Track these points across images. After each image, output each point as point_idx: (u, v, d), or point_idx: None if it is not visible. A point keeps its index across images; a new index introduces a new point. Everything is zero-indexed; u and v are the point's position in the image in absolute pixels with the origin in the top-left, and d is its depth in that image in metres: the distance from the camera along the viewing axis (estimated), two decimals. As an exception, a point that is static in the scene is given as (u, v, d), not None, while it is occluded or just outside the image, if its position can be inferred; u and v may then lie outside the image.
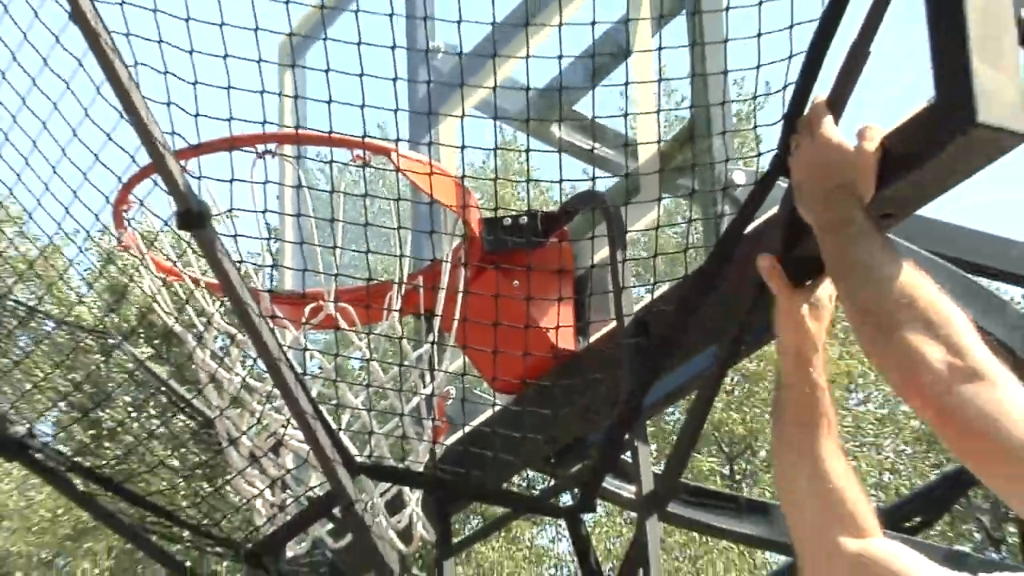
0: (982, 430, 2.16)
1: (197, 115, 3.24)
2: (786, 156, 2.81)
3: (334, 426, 3.62)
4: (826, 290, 2.64)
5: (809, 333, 2.62)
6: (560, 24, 3.60)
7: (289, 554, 4.12)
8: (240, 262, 3.48)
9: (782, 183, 2.94)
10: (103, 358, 4.65)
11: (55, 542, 18.08)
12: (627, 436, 3.76)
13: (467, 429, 4.17)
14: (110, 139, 3.33)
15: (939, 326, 2.27)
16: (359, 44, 3.29)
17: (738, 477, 18.18)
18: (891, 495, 16.36)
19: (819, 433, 2.59)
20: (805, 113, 2.70)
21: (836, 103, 2.77)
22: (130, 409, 4.51)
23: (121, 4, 3.11)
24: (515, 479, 4.34)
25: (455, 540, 4.51)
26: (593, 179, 4.33)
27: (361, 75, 3.28)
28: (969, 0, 2.79)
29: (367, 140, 3.64)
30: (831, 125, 2.62)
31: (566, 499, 4.28)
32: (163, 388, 4.58)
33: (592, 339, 3.98)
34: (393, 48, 3.30)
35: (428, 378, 3.89)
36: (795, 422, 2.62)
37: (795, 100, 2.88)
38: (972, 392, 2.17)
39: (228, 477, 4.07)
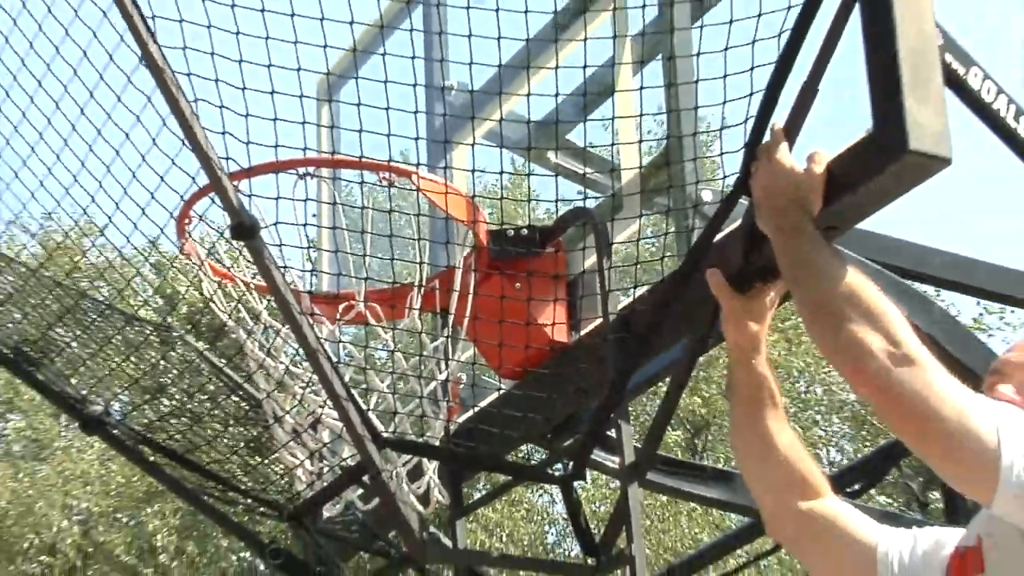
0: (915, 408, 2.17)
1: (248, 143, 3.24)
2: (747, 178, 2.81)
3: (364, 406, 3.62)
4: (765, 298, 2.68)
5: (750, 332, 2.64)
6: (556, 66, 3.60)
7: (325, 515, 4.13)
8: (284, 267, 3.48)
9: (743, 201, 2.95)
10: (167, 349, 4.65)
11: (130, 504, 18.08)
12: (611, 415, 3.76)
13: (476, 409, 4.17)
14: (174, 163, 3.33)
15: (878, 319, 2.27)
16: (385, 82, 3.29)
17: (699, 449, 18.16)
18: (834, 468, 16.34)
19: (766, 412, 2.60)
20: (764, 141, 2.70)
21: (790, 132, 2.77)
22: (190, 392, 4.49)
23: (184, 49, 3.12)
24: (516, 451, 4.33)
25: (466, 503, 4.51)
26: (583, 198, 4.33)
27: (387, 108, 3.28)
28: (902, 46, 2.79)
29: (392, 164, 3.64)
30: (785, 151, 2.62)
31: (560, 469, 4.27)
32: (218, 375, 4.57)
33: (582, 333, 3.97)
34: (414, 86, 3.29)
35: (443, 366, 3.89)
36: (745, 404, 2.63)
37: (754, 130, 2.88)
38: (908, 376, 2.18)
39: (274, 450, 4.07)
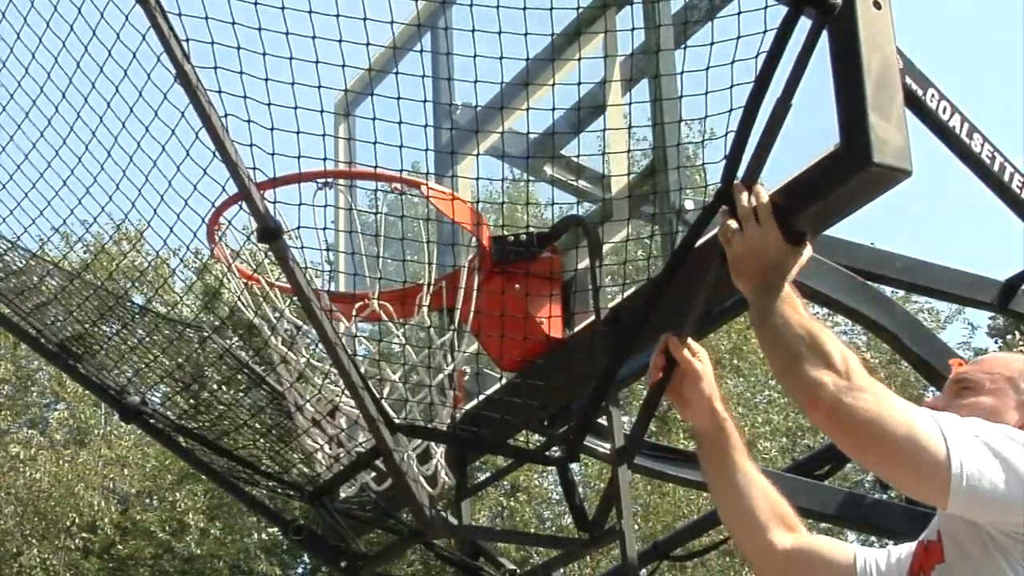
0: (867, 430, 2.21)
1: (273, 154, 3.24)
2: (727, 189, 2.82)
3: (377, 396, 3.62)
4: (705, 371, 2.75)
5: (703, 386, 2.70)
6: (552, 84, 3.61)
7: (342, 495, 4.12)
8: (305, 268, 3.48)
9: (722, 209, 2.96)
10: (198, 345, 4.65)
11: (163, 485, 18.10)
12: (603, 403, 3.77)
13: (480, 398, 4.18)
14: (206, 173, 3.34)
15: (829, 356, 2.35)
16: (398, 99, 3.30)
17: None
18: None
19: (734, 461, 2.61)
20: (753, 202, 2.70)
21: (764, 144, 2.78)
22: (220, 384, 4.50)
23: (215, 69, 3.13)
24: (516, 436, 4.34)
25: (470, 484, 4.51)
26: (577, 205, 4.33)
27: (399, 123, 3.29)
28: (867, 70, 2.80)
29: (403, 175, 3.65)
30: (773, 221, 2.63)
31: (556, 452, 4.27)
32: (245, 367, 4.57)
33: (576, 328, 3.98)
34: (424, 103, 3.31)
35: (450, 358, 3.89)
36: (709, 450, 2.64)
37: (734, 144, 2.89)
38: (857, 401, 2.24)
39: (296, 436, 4.08)
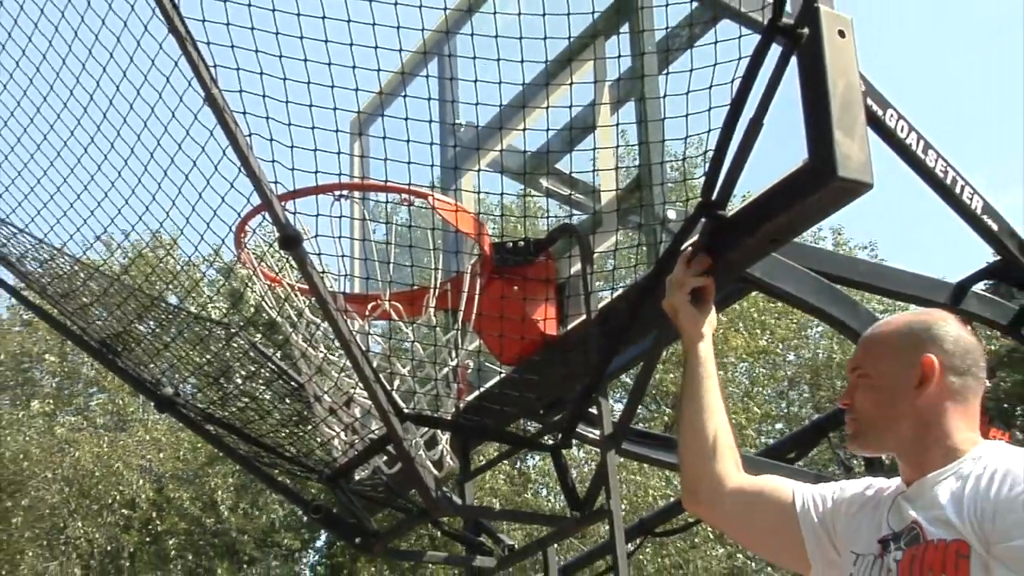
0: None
1: (293, 169, 3.23)
2: (706, 201, 2.82)
3: (388, 388, 3.61)
4: (711, 311, 2.74)
5: (700, 331, 2.68)
6: (547, 107, 3.60)
7: (356, 477, 4.12)
8: (323, 272, 3.47)
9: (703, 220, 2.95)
10: (226, 341, 4.64)
11: (195, 466, 18.09)
12: (593, 395, 3.76)
13: (481, 390, 4.17)
14: (232, 187, 3.33)
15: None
16: (406, 120, 3.30)
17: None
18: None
19: (714, 385, 2.58)
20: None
21: (739, 160, 2.77)
22: (245, 377, 4.49)
23: (240, 92, 3.12)
24: (515, 425, 4.33)
25: (472, 468, 4.51)
26: (570, 216, 4.33)
27: (408, 141, 3.28)
28: (832, 93, 2.80)
29: (412, 187, 3.64)
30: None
31: (550, 439, 4.27)
32: (269, 362, 4.56)
33: (569, 328, 3.97)
34: (430, 123, 3.29)
35: (454, 354, 3.88)
36: (700, 372, 2.61)
37: (713, 160, 2.88)
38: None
39: (314, 424, 4.07)
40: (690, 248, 2.81)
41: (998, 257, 4.82)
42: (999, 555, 1.92)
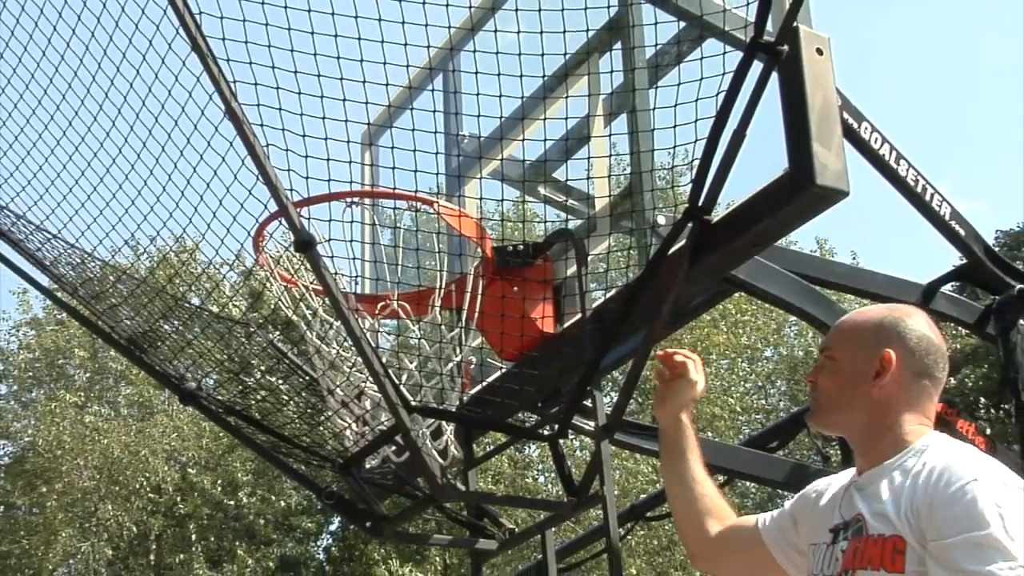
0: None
1: (307, 178, 3.23)
2: (693, 208, 2.81)
3: (397, 382, 3.61)
4: (690, 384, 2.54)
5: (678, 403, 2.53)
6: (544, 118, 3.60)
7: (367, 465, 4.11)
8: (336, 274, 3.47)
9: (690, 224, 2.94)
10: (245, 339, 4.63)
11: (217, 454, 18.10)
12: (588, 388, 3.75)
13: (484, 384, 4.16)
14: (251, 194, 3.33)
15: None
16: (413, 131, 3.29)
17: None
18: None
19: (688, 460, 2.48)
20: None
21: (724, 169, 2.77)
22: (263, 372, 4.48)
23: (258, 105, 3.12)
24: (514, 416, 4.33)
25: (475, 456, 4.50)
26: (566, 221, 4.32)
27: (415, 151, 3.28)
28: (811, 106, 2.79)
29: (418, 194, 3.63)
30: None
31: (548, 429, 4.25)
32: (285, 358, 4.55)
33: (565, 325, 3.97)
34: (435, 134, 3.30)
35: (458, 351, 3.87)
36: (673, 454, 2.52)
37: (699, 169, 2.88)
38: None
39: (328, 415, 4.06)
40: (658, 353, 2.61)
41: (965, 260, 4.81)
42: (932, 551, 1.88)
